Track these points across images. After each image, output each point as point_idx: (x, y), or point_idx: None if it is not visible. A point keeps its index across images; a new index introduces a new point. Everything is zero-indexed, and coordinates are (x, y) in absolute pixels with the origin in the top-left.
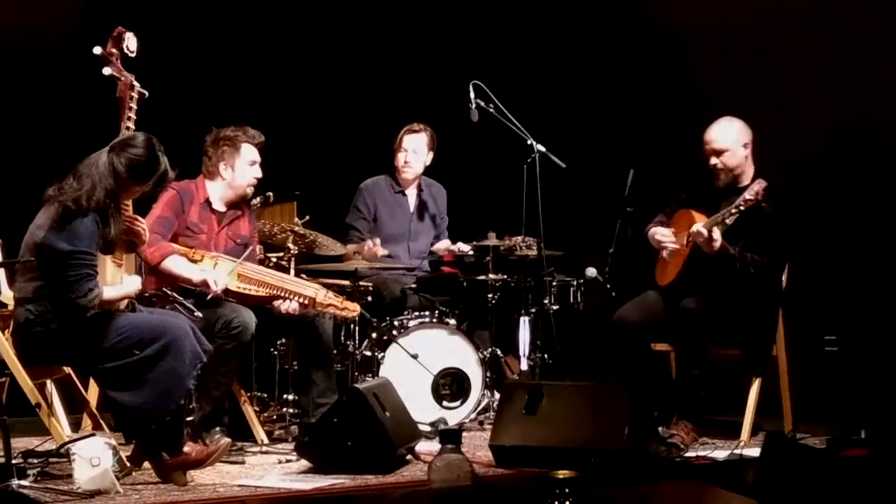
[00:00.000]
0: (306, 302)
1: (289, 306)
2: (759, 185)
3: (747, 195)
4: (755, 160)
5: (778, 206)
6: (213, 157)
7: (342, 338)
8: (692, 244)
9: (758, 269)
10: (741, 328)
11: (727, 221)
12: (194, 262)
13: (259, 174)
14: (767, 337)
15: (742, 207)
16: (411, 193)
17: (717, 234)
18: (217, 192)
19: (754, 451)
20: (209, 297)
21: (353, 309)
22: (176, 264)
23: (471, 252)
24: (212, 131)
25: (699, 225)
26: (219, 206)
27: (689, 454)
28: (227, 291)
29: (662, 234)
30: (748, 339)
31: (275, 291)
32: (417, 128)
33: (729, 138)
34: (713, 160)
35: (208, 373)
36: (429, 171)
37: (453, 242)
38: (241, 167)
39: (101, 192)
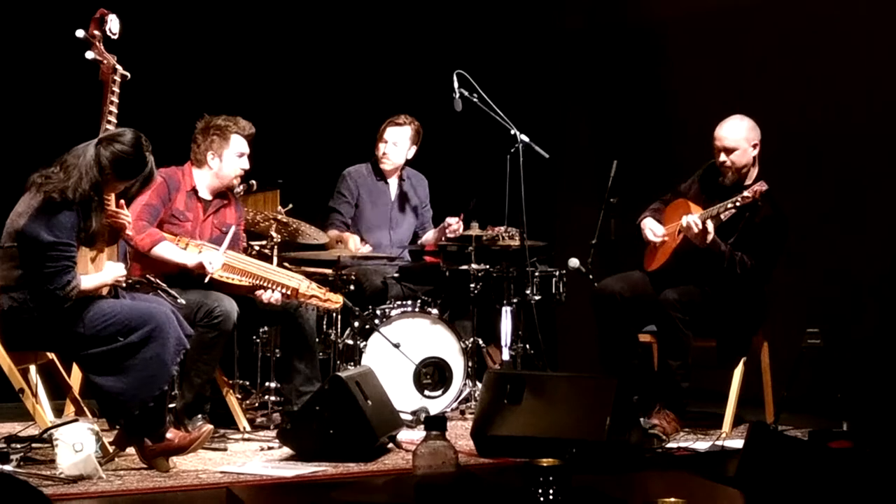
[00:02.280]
0: (289, 293)
1: (271, 296)
2: (760, 186)
3: (746, 192)
4: (760, 163)
5: (775, 210)
6: (202, 144)
7: (324, 326)
8: (683, 235)
9: (744, 270)
10: (721, 321)
11: (721, 216)
12: None
13: (246, 166)
14: (745, 331)
15: (738, 203)
16: (393, 182)
17: (710, 227)
18: (203, 180)
19: (736, 443)
20: (207, 279)
21: (335, 300)
22: (168, 250)
23: (459, 225)
24: (203, 118)
25: (693, 216)
26: (205, 194)
27: (670, 445)
28: (210, 280)
29: (653, 231)
30: (724, 332)
31: (257, 281)
32: (402, 121)
33: (739, 136)
34: (722, 157)
35: (190, 361)
36: (412, 160)
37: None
38: (229, 158)
39: (86, 184)
